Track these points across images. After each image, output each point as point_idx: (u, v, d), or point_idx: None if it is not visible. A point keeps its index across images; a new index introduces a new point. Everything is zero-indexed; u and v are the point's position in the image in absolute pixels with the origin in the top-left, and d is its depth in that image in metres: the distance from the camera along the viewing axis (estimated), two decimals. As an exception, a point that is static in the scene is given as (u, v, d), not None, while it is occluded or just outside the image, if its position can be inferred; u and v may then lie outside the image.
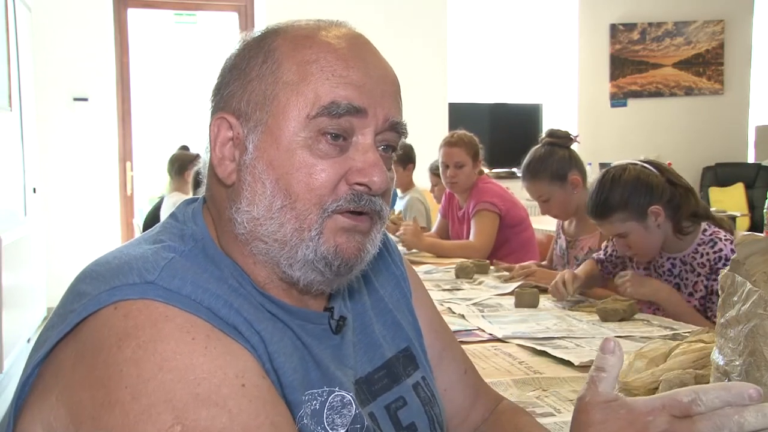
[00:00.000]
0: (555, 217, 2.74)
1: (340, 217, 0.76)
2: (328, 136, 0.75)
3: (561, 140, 2.66)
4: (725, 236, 1.93)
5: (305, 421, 0.74)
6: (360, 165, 0.76)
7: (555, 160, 2.59)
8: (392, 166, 0.82)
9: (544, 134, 2.71)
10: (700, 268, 1.93)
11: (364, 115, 0.76)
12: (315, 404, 0.75)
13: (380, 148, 0.79)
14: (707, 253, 1.92)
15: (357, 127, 0.76)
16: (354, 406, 0.78)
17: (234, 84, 0.79)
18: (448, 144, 3.30)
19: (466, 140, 3.29)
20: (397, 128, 0.80)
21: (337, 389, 0.77)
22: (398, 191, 4.37)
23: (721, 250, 1.90)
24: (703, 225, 1.97)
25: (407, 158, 4.32)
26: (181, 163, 4.79)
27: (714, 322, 1.86)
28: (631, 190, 1.93)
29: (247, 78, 0.78)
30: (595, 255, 2.31)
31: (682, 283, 2.00)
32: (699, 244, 1.95)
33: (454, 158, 3.26)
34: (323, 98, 0.75)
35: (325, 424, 0.75)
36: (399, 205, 4.28)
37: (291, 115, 0.75)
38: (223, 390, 0.63)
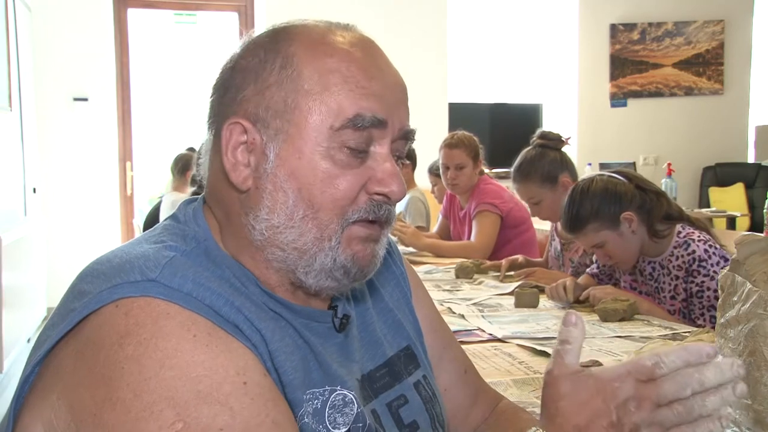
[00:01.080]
0: (545, 219, 2.74)
1: (356, 226, 0.77)
2: (350, 149, 0.76)
3: (552, 142, 2.65)
4: (699, 237, 1.94)
5: (306, 419, 0.74)
6: (380, 175, 0.77)
7: (546, 163, 2.58)
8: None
9: (535, 136, 2.69)
10: (677, 271, 1.95)
11: (385, 126, 0.77)
12: (317, 403, 0.75)
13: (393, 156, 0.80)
14: (682, 256, 1.93)
15: (376, 138, 0.77)
16: (356, 404, 0.78)
17: (248, 88, 0.77)
18: (449, 146, 3.28)
19: (466, 142, 3.28)
20: (408, 136, 0.81)
21: (339, 388, 0.77)
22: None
23: (694, 251, 1.91)
24: (678, 227, 1.99)
25: (408, 157, 4.32)
26: (184, 163, 4.82)
27: (697, 325, 1.88)
28: (600, 200, 1.97)
29: (265, 84, 0.77)
30: (588, 270, 2.32)
31: (660, 287, 2.02)
32: (674, 247, 1.96)
33: (455, 160, 3.25)
34: (348, 110, 0.75)
35: (327, 422, 0.75)
36: (399, 205, 4.27)
37: (313, 125, 0.75)
38: (224, 387, 0.63)
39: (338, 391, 0.77)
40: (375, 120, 0.76)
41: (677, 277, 1.95)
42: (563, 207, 2.07)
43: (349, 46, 0.78)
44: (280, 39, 0.79)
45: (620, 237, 1.98)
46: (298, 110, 0.75)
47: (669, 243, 1.98)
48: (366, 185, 0.77)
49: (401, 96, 0.80)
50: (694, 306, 1.91)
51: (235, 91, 0.78)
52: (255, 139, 0.77)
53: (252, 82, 0.77)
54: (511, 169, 2.68)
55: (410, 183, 4.39)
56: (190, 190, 4.25)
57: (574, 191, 2.04)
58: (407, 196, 4.27)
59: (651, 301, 2.02)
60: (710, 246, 1.91)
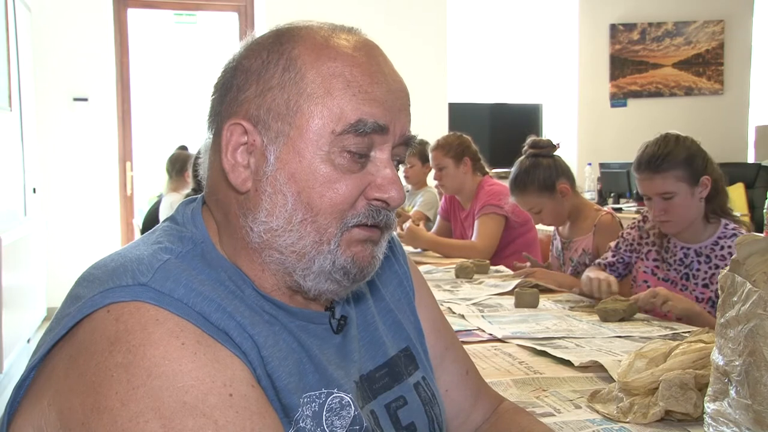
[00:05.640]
0: (549, 225, 2.76)
1: (355, 230, 0.77)
2: (351, 153, 0.75)
3: (544, 150, 2.64)
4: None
5: (303, 423, 0.73)
6: (379, 181, 0.77)
7: (541, 171, 2.58)
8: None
9: (526, 145, 2.68)
10: (719, 260, 1.97)
11: (386, 132, 0.77)
12: (314, 406, 0.75)
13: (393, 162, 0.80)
14: (729, 247, 1.96)
15: (377, 143, 0.77)
16: (353, 407, 0.78)
17: (250, 89, 0.77)
18: (431, 149, 3.42)
19: (441, 142, 3.38)
20: (409, 142, 0.81)
21: (335, 391, 0.77)
22: (410, 187, 4.37)
23: None
24: (724, 221, 2.01)
25: (422, 157, 4.24)
26: (182, 163, 4.81)
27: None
28: (695, 153, 1.97)
29: (267, 85, 0.76)
30: (600, 261, 2.28)
31: (691, 274, 2.03)
32: (720, 238, 1.99)
33: (435, 162, 3.37)
34: (350, 115, 0.75)
35: (324, 426, 0.75)
36: (411, 202, 4.27)
37: (315, 129, 0.75)
38: (210, 399, 0.63)
39: (335, 394, 0.77)
40: (377, 126, 0.76)
41: (717, 266, 1.97)
42: (645, 146, 2.02)
43: (352, 50, 0.77)
44: (284, 41, 0.78)
45: (691, 197, 1.97)
46: (300, 113, 0.75)
47: (709, 232, 2.01)
48: (365, 191, 0.77)
49: (404, 102, 0.80)
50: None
51: (237, 92, 0.78)
52: (255, 140, 0.76)
53: (254, 83, 0.77)
54: (508, 183, 2.68)
55: (422, 183, 4.39)
56: (186, 191, 4.25)
57: (667, 136, 2.01)
58: (420, 194, 4.28)
59: (671, 288, 2.02)
60: None
